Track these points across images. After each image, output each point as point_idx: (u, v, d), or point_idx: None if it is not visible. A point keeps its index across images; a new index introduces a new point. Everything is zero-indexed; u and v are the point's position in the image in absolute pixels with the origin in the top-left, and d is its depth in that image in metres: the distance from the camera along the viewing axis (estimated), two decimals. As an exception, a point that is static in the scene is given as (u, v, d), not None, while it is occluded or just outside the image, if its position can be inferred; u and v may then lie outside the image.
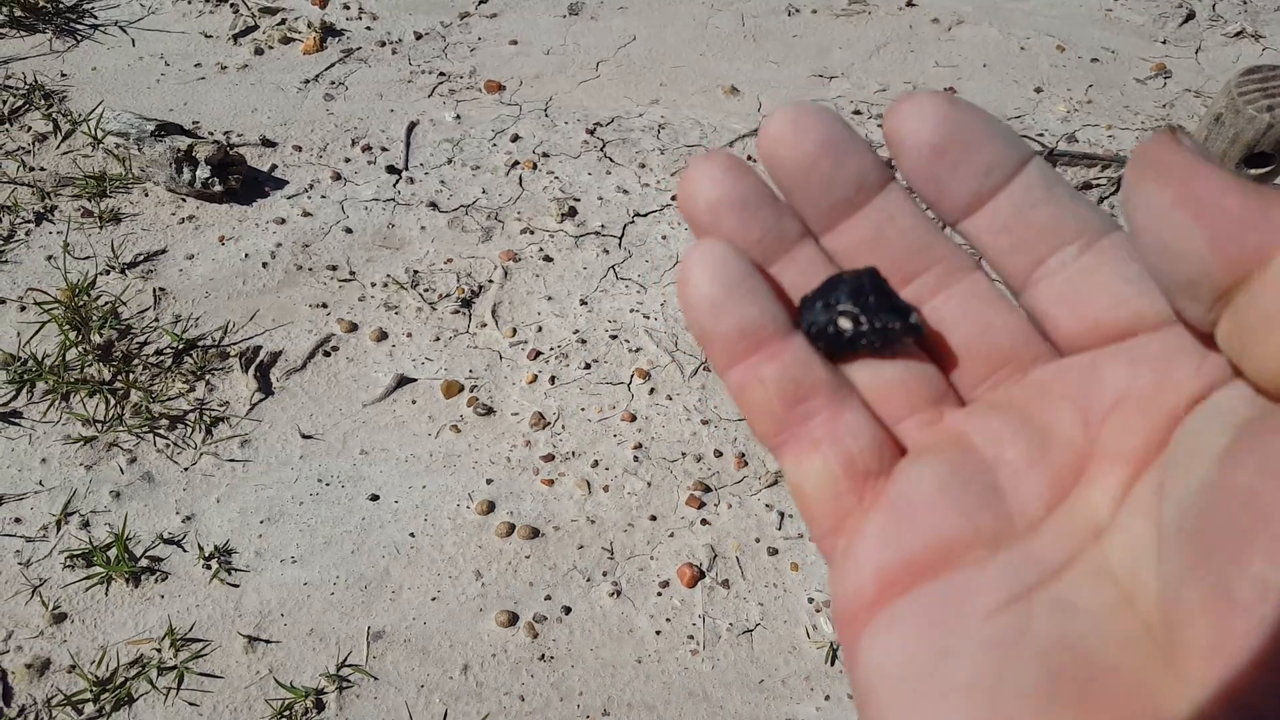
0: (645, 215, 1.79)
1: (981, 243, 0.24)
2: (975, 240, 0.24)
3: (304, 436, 1.45)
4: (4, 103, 1.90)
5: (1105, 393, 0.22)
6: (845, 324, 0.25)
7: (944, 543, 0.22)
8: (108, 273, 1.64)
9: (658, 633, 1.27)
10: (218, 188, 1.71)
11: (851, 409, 0.24)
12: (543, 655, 1.25)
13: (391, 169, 1.85)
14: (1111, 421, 0.22)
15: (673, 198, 1.83)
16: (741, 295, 0.24)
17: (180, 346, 1.53)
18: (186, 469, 1.41)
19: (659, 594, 1.30)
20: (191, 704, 1.19)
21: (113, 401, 1.46)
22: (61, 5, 2.15)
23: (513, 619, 1.27)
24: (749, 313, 0.24)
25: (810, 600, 1.30)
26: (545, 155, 1.90)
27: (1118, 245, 0.23)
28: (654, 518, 1.37)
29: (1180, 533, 0.18)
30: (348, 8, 2.24)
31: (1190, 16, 2.32)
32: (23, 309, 1.57)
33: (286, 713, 1.18)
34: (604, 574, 1.32)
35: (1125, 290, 0.22)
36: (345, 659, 1.24)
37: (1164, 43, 2.25)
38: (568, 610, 1.28)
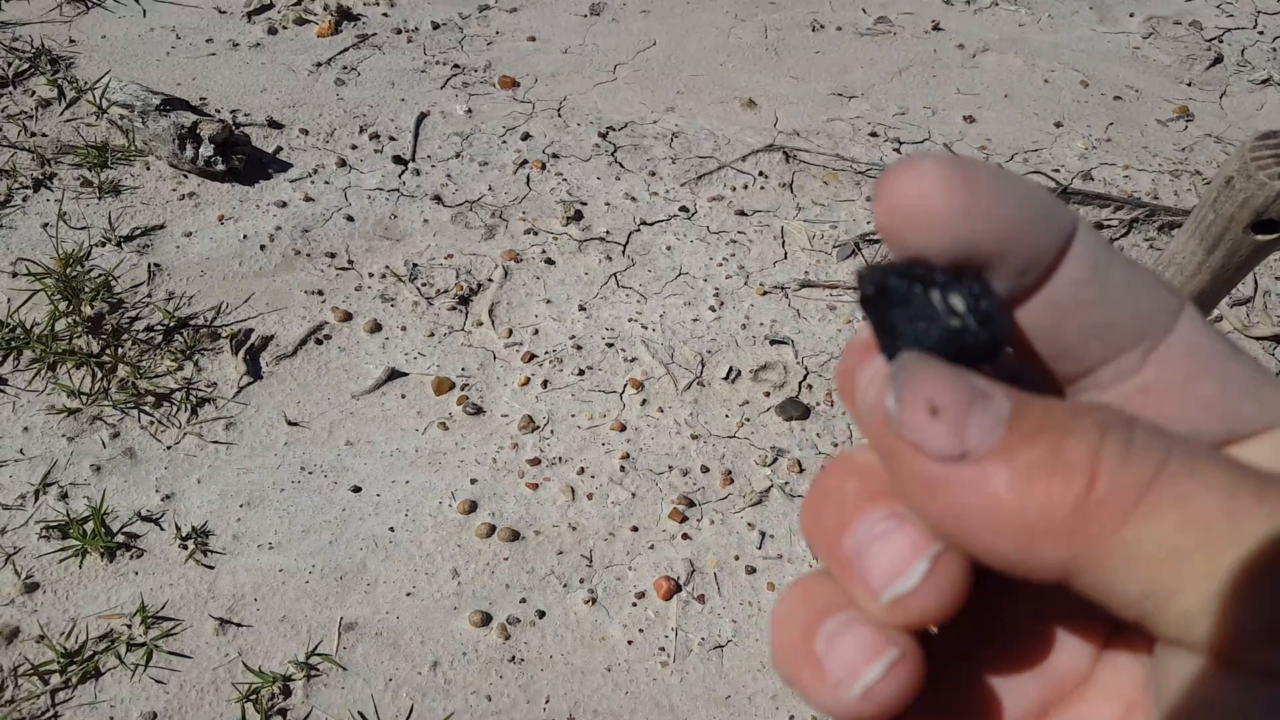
0: (651, 224, 1.78)
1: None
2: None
3: (290, 423, 1.44)
4: (9, 65, 1.89)
5: None
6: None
7: None
8: (103, 245, 1.63)
9: (629, 643, 1.25)
10: (220, 166, 1.70)
11: None
12: (513, 657, 1.23)
13: (398, 159, 1.84)
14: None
15: (681, 208, 1.81)
16: None
17: (171, 324, 1.52)
18: (169, 447, 1.40)
19: (634, 604, 1.29)
20: (159, 682, 1.18)
21: (99, 375, 1.45)
22: (81, -28, 2.14)
23: (486, 619, 1.26)
24: None
25: (787, 623, 1.29)
26: (555, 156, 1.89)
27: (1191, 346, 0.18)
28: (635, 528, 1.36)
29: None
30: (368, -7, 2.23)
31: (1218, 60, 2.30)
32: (14, 275, 1.56)
33: (253, 697, 1.17)
34: (581, 581, 1.31)
35: (1211, 418, 0.18)
36: (315, 648, 1.22)
37: (1189, 85, 2.23)
38: (542, 614, 1.27)
